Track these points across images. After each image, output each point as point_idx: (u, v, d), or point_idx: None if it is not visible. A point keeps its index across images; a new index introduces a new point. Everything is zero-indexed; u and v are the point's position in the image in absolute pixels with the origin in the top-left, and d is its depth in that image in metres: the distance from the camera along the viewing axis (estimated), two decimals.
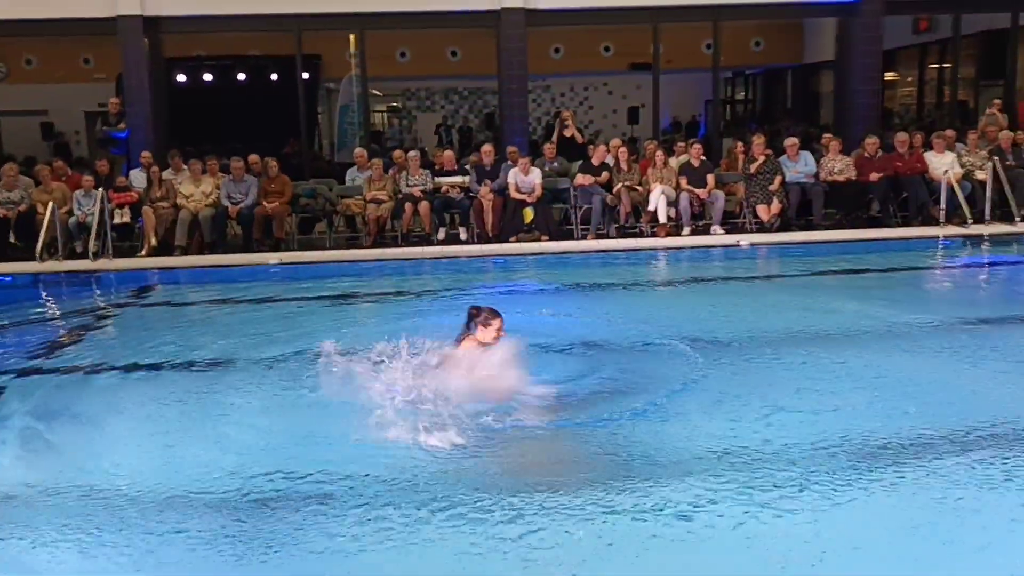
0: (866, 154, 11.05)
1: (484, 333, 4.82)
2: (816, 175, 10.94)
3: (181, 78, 15.54)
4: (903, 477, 3.75)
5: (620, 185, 10.69)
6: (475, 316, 4.88)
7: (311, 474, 3.91)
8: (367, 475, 3.87)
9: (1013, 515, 3.42)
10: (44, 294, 9.13)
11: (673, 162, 11.11)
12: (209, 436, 4.51)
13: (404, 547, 3.31)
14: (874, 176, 10.77)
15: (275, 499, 3.70)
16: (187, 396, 5.14)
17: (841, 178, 10.86)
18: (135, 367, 5.86)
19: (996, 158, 10.62)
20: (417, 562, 3.25)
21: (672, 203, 10.59)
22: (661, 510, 3.49)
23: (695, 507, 3.51)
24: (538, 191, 10.65)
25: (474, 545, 3.30)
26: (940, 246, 9.96)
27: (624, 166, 10.92)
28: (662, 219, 10.49)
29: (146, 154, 11.11)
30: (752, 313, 7.00)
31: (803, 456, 3.97)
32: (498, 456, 4.11)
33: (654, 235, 10.52)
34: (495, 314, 4.85)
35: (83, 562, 3.32)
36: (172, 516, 3.58)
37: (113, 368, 5.86)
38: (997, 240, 10.03)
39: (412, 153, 11.35)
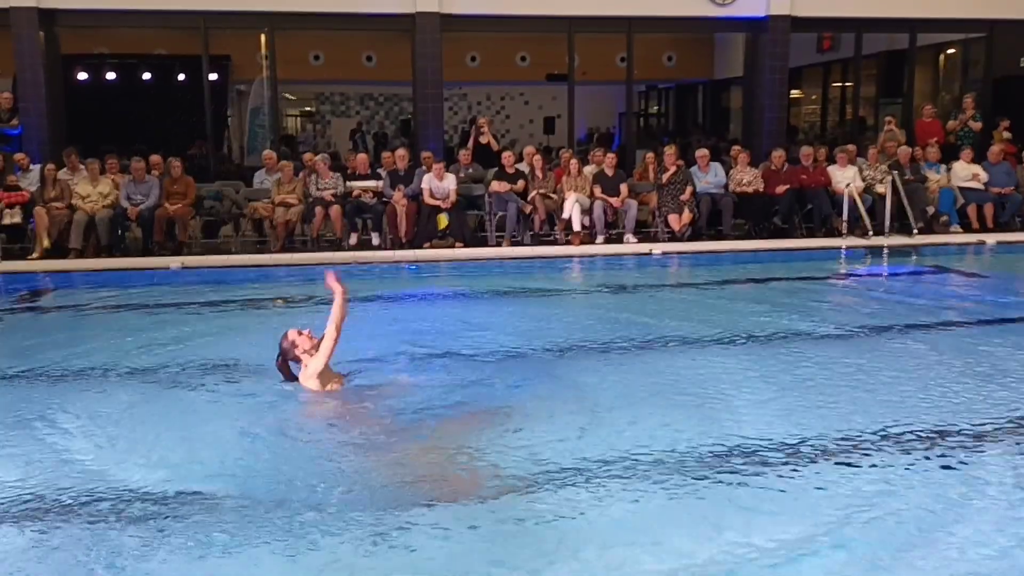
0: (773, 167, 11.34)
1: (305, 353, 4.81)
2: (725, 186, 11.15)
3: (82, 76, 14.91)
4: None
5: (535, 193, 10.68)
6: (287, 354, 4.88)
7: (186, 486, 3.74)
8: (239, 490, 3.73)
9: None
10: None
11: (587, 171, 11.17)
12: (83, 444, 4.27)
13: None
14: (780, 188, 11.04)
15: (145, 508, 3.54)
16: (64, 404, 4.84)
17: (749, 189, 11.10)
18: (13, 375, 5.52)
19: (895, 172, 11.02)
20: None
21: (586, 211, 10.63)
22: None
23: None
24: (453, 197, 10.55)
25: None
26: (842, 256, 10.27)
27: (539, 174, 10.92)
28: (576, 227, 10.52)
29: (20, 156, 10.53)
30: (654, 319, 7.01)
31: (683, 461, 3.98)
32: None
33: (568, 243, 10.54)
34: (292, 337, 4.87)
35: None
36: (34, 525, 3.40)
37: None
38: (896, 251, 10.40)
39: (321, 156, 11.11)
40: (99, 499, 3.62)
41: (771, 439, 4.18)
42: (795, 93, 16.57)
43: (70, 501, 3.62)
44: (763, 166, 11.50)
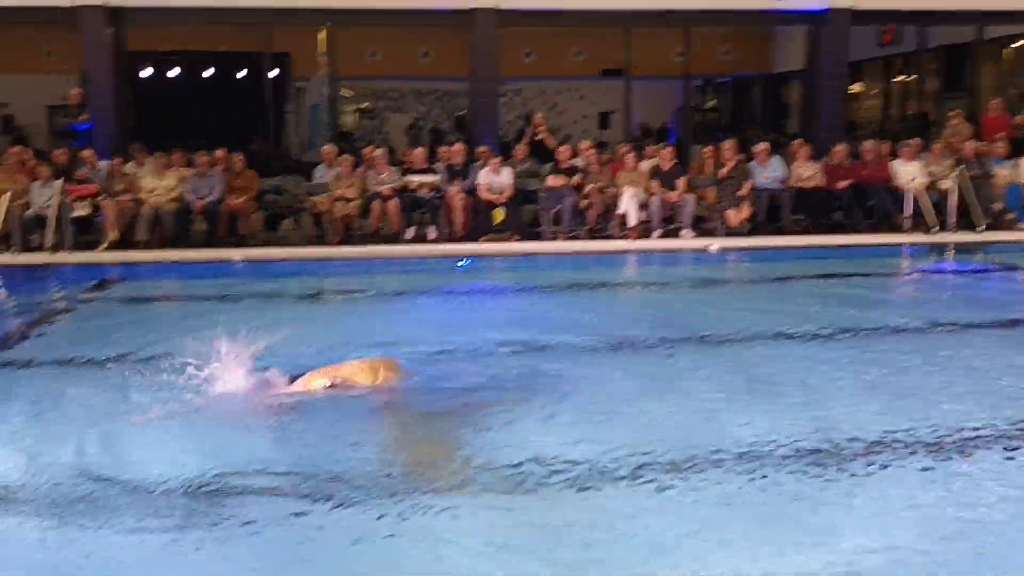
0: (834, 162, 11.15)
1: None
2: (784, 181, 11.00)
3: (147, 73, 15.29)
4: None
5: (592, 186, 10.66)
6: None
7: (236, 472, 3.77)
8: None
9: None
10: None
11: (644, 165, 11.11)
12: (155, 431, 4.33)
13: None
14: (841, 183, 10.86)
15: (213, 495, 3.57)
16: (127, 391, 4.91)
17: (810, 184, 10.93)
18: (81, 361, 5.64)
19: (961, 168, 10.76)
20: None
21: (643, 206, 10.58)
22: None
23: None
24: (509, 191, 10.58)
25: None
26: (906, 253, 10.07)
27: (595, 168, 10.89)
28: (632, 222, 10.47)
29: (87, 153, 10.75)
30: (719, 314, 6.95)
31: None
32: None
33: (624, 238, 10.49)
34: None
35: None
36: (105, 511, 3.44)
37: (57, 361, 5.64)
38: (961, 248, 10.15)
39: (378, 151, 11.23)
40: (141, 488, 3.63)
41: (860, 433, 4.12)
42: (855, 87, 16.26)
43: (119, 488, 3.64)
44: (824, 161, 11.31)
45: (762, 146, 11.22)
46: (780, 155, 11.61)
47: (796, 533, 3.20)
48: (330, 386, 4.79)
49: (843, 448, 3.97)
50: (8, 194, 9.79)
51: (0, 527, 3.40)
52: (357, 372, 4.88)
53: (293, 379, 4.88)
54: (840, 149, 11.19)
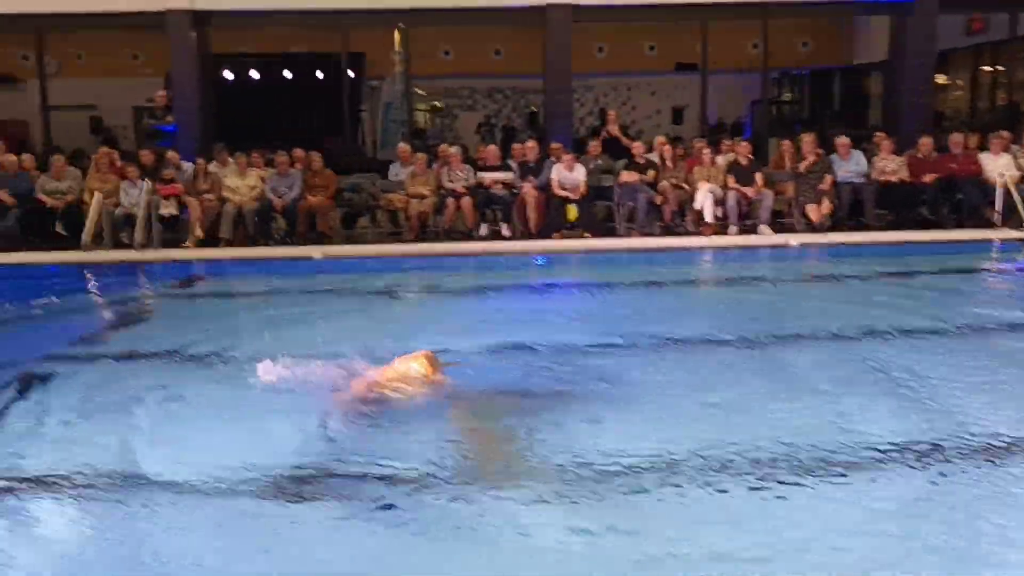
0: (920, 155, 10.81)
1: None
2: (867, 175, 10.71)
3: (228, 75, 15.70)
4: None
5: (666, 182, 10.54)
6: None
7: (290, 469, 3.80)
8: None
9: None
10: (87, 283, 9.12)
11: (720, 160, 10.94)
12: (240, 427, 4.42)
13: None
14: (928, 177, 10.52)
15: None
16: (219, 386, 5.03)
17: (894, 178, 10.61)
18: (166, 354, 5.77)
19: None
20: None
21: (719, 202, 10.42)
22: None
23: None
24: (583, 188, 10.55)
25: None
26: (996, 249, 9.69)
27: (670, 163, 10.78)
28: (708, 218, 10.32)
29: (172, 154, 11.07)
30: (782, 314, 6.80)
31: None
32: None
33: (700, 234, 10.35)
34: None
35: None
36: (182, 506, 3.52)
37: (145, 356, 5.80)
38: None
39: (453, 148, 11.31)
40: (219, 481, 3.68)
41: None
42: (940, 78, 15.72)
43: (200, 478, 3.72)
44: (908, 154, 10.97)
45: (843, 139, 10.94)
46: (862, 148, 11.32)
47: (949, 549, 3.00)
48: (379, 388, 4.78)
49: (990, 448, 3.77)
50: (100, 193, 10.16)
51: (84, 511, 3.52)
52: (401, 370, 4.80)
53: (371, 369, 4.92)
54: (926, 142, 10.85)
